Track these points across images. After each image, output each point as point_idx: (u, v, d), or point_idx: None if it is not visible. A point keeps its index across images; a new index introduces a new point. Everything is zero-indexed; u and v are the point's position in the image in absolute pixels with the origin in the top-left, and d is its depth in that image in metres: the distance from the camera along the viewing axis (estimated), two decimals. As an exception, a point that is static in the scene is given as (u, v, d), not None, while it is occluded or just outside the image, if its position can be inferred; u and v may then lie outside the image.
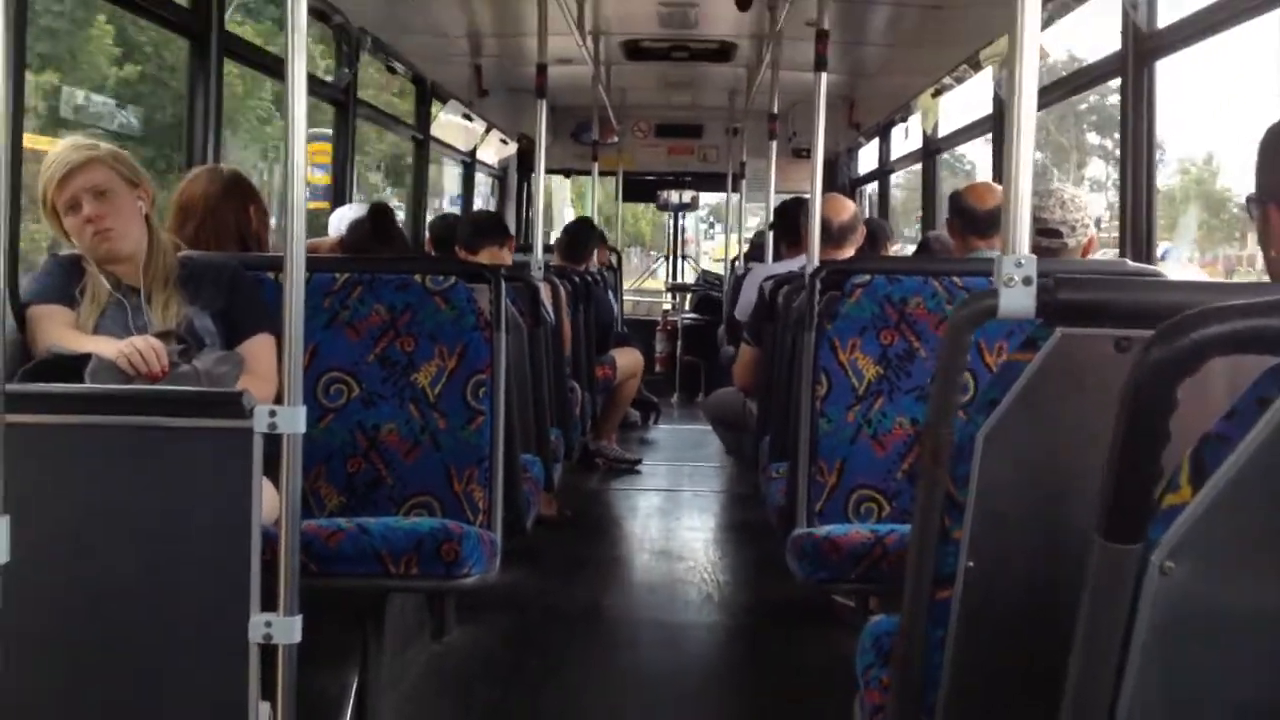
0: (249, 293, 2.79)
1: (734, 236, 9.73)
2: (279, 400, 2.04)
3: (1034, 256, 1.51)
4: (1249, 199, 1.63)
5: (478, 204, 8.86)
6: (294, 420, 2.02)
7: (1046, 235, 3.19)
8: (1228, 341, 0.85)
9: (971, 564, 1.52)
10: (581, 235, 6.62)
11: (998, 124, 5.16)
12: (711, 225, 18.12)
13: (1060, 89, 4.30)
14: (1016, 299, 1.50)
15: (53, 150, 2.68)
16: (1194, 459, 0.89)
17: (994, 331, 2.75)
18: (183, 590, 2.00)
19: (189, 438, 2.01)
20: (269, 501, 2.10)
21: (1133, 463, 0.89)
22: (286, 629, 2.00)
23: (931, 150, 6.71)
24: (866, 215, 6.77)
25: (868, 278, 2.95)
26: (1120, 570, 0.92)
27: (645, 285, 12.82)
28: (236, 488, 1.98)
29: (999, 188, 3.65)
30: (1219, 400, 0.91)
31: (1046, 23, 4.34)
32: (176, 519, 2.00)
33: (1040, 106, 4.45)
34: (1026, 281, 1.50)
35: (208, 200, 3.20)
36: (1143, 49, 3.45)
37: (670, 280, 11.36)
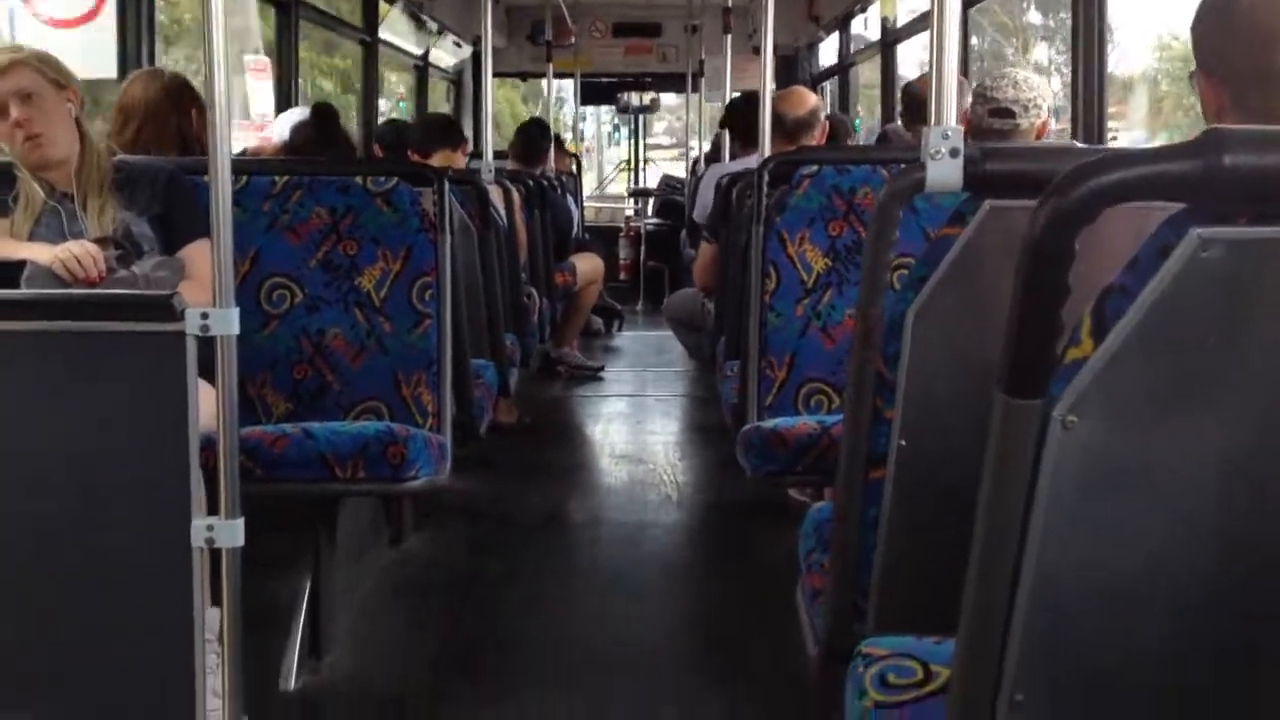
0: (186, 196, 2.73)
1: (694, 139, 9.64)
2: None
3: (960, 128, 1.48)
4: (1191, 74, 1.60)
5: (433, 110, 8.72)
6: (227, 322, 1.99)
7: (999, 115, 3.13)
8: (1123, 188, 0.83)
9: (904, 443, 1.51)
10: (534, 136, 6.51)
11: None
12: (617, 129, 16.03)
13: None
14: (943, 171, 1.48)
15: None
16: (1095, 312, 0.88)
17: (940, 217, 2.73)
18: (123, 498, 1.98)
19: (121, 342, 1.97)
20: (212, 407, 2.07)
21: (1032, 317, 0.87)
22: (229, 533, 1.99)
23: (890, 41, 6.62)
24: (828, 111, 6.70)
25: (816, 169, 2.92)
26: (1022, 426, 0.91)
27: (608, 190, 12.69)
28: (171, 392, 1.94)
29: None
30: (1123, 255, 0.89)
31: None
32: (112, 425, 1.98)
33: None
34: (953, 153, 1.47)
35: (149, 103, 3.14)
36: (1092, -70, 3.40)
37: (632, 185, 11.25)
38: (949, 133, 1.46)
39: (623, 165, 12.92)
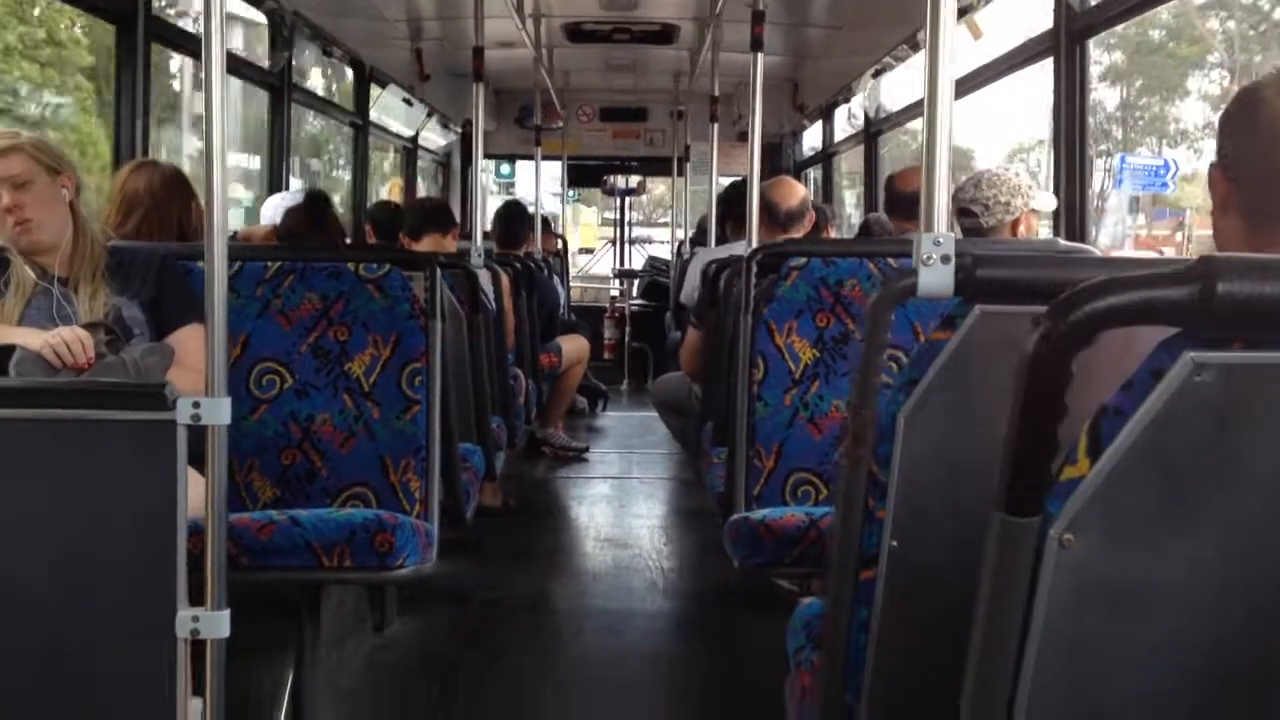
0: (177, 282, 2.75)
1: (681, 221, 9.73)
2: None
3: (952, 235, 1.51)
4: (1210, 164, 1.59)
5: (421, 192, 8.79)
6: (218, 412, 1.99)
7: (962, 215, 3.22)
8: (1119, 314, 0.85)
9: (895, 544, 1.52)
10: (514, 219, 6.56)
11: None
12: (575, 199, 15.50)
13: (992, 70, 4.32)
14: (935, 277, 1.50)
15: None
16: (1091, 432, 0.89)
17: (929, 312, 2.76)
18: (108, 586, 1.97)
19: (111, 431, 1.97)
20: (200, 494, 2.06)
21: (1029, 437, 0.89)
22: (214, 623, 1.97)
23: (873, 132, 6.72)
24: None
25: (804, 260, 2.95)
26: (1019, 544, 0.92)
27: (593, 271, 12.77)
28: (160, 481, 1.94)
29: None
30: (1121, 373, 0.91)
31: (984, 2, 4.36)
32: (100, 514, 1.97)
33: (973, 89, 4.46)
34: (945, 260, 1.49)
35: (153, 194, 3.19)
36: (1074, 27, 3.47)
37: (617, 266, 11.32)
38: (940, 239, 1.49)
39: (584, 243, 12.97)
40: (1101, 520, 0.89)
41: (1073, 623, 0.93)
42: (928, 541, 1.50)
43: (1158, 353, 0.87)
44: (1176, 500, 0.91)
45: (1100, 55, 21.38)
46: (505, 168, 12.11)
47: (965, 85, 4.41)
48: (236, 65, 5.20)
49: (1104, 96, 23.01)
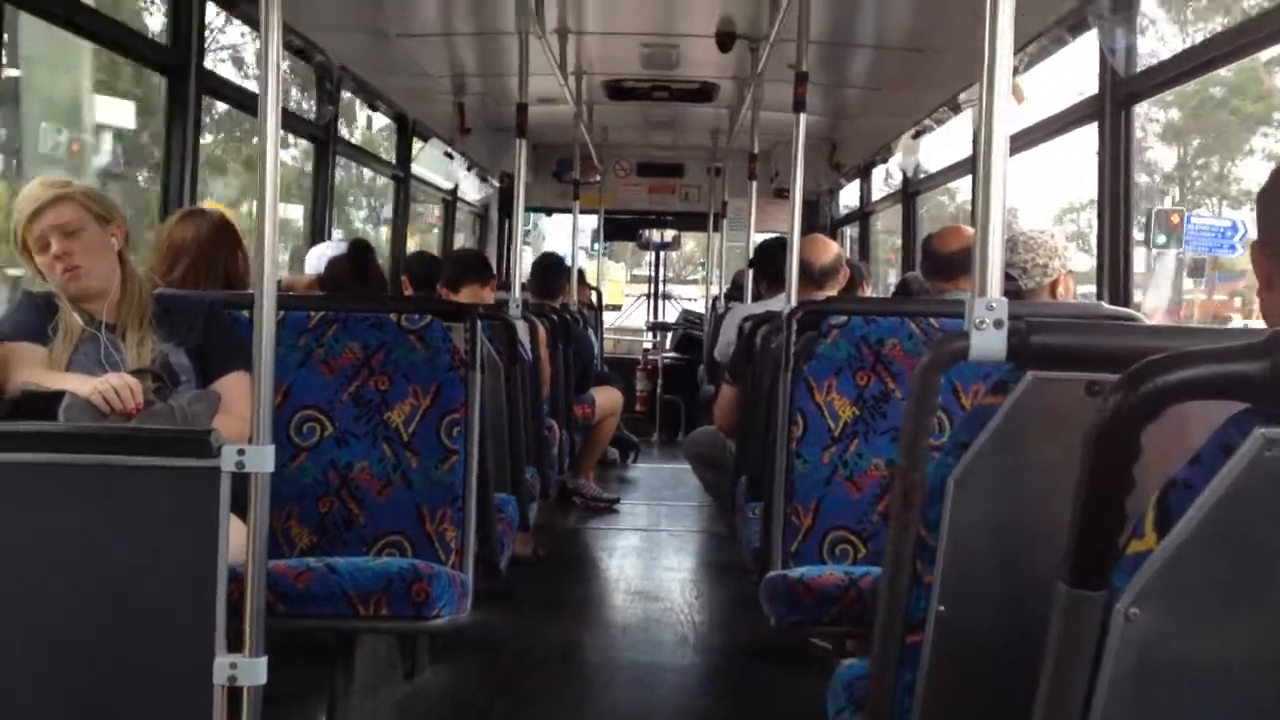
0: (224, 330, 2.78)
1: (715, 275, 9.77)
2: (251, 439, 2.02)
3: (1005, 300, 1.50)
4: (1251, 243, 1.58)
5: (458, 242, 8.86)
6: (262, 460, 2.00)
7: None
8: (1189, 388, 0.84)
9: (943, 609, 1.50)
10: (550, 271, 6.60)
11: (975, 167, 5.19)
12: (605, 253, 14.30)
13: (1037, 133, 4.33)
14: (988, 342, 1.50)
15: (25, 188, 2.67)
16: (1159, 505, 0.88)
17: (969, 373, 2.75)
18: (148, 630, 1.98)
19: (157, 477, 1.99)
20: (239, 540, 2.07)
21: (1097, 510, 0.88)
22: (252, 671, 1.98)
23: (911, 192, 6.74)
24: (846, 256, 6.79)
25: (844, 318, 2.95)
26: (1084, 617, 0.91)
27: (626, 324, 12.80)
28: (203, 527, 1.96)
29: (966, 230, 3.66)
30: (1191, 443, 0.90)
31: (1028, 65, 4.38)
32: (143, 558, 1.98)
33: (1015, 151, 4.48)
34: (998, 324, 1.49)
35: (200, 243, 3.22)
36: (1119, 93, 3.48)
37: (651, 319, 11.35)
38: (994, 304, 1.49)
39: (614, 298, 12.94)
40: (1168, 595, 0.88)
41: (1137, 698, 0.91)
42: (976, 607, 1.48)
43: (1227, 428, 0.86)
44: (1245, 577, 0.90)
45: (1156, 113, 20.89)
46: (533, 218, 12.13)
47: (1010, 147, 4.41)
48: (285, 119, 5.27)
49: (1160, 156, 22.40)
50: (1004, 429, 1.43)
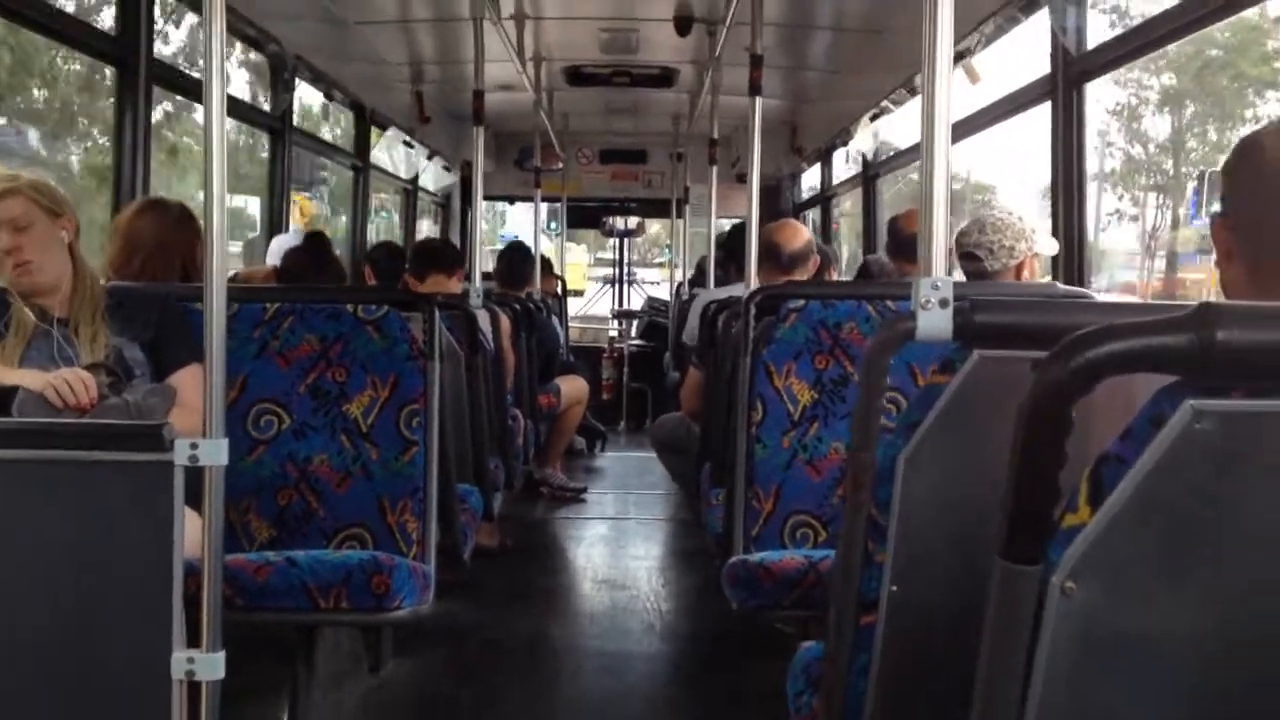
0: (177, 323, 2.75)
1: (680, 261, 9.77)
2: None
3: (950, 279, 1.51)
4: (1211, 214, 1.59)
5: (421, 232, 8.82)
6: (216, 453, 1.99)
7: (964, 259, 3.23)
8: (1117, 361, 0.85)
9: (895, 588, 1.51)
10: (516, 261, 6.59)
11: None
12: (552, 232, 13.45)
13: (991, 114, 4.34)
14: (934, 321, 1.51)
15: None
16: (1091, 479, 0.89)
17: (926, 355, 2.75)
18: (104, 627, 1.96)
19: (110, 471, 1.97)
20: (197, 535, 2.06)
21: (1030, 484, 0.89)
22: (210, 665, 1.97)
23: (871, 174, 6.76)
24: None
25: (802, 302, 2.95)
26: (1021, 591, 0.91)
27: (592, 311, 12.78)
28: (158, 522, 1.94)
29: None
30: (1116, 419, 0.91)
31: (984, 45, 4.39)
32: (98, 554, 1.96)
33: (971, 132, 4.47)
34: (943, 304, 1.50)
35: (158, 234, 3.18)
36: (1072, 72, 3.49)
37: (616, 307, 11.34)
38: (939, 284, 1.49)
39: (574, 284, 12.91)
40: (1103, 568, 0.89)
41: (1075, 671, 0.92)
42: (927, 585, 1.49)
43: (1157, 400, 0.87)
44: (1177, 549, 0.91)
45: (1149, 80, 19.97)
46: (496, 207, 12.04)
47: (963, 129, 4.43)
48: (238, 108, 5.23)
49: (1153, 125, 21.28)
50: (951, 408, 1.43)
